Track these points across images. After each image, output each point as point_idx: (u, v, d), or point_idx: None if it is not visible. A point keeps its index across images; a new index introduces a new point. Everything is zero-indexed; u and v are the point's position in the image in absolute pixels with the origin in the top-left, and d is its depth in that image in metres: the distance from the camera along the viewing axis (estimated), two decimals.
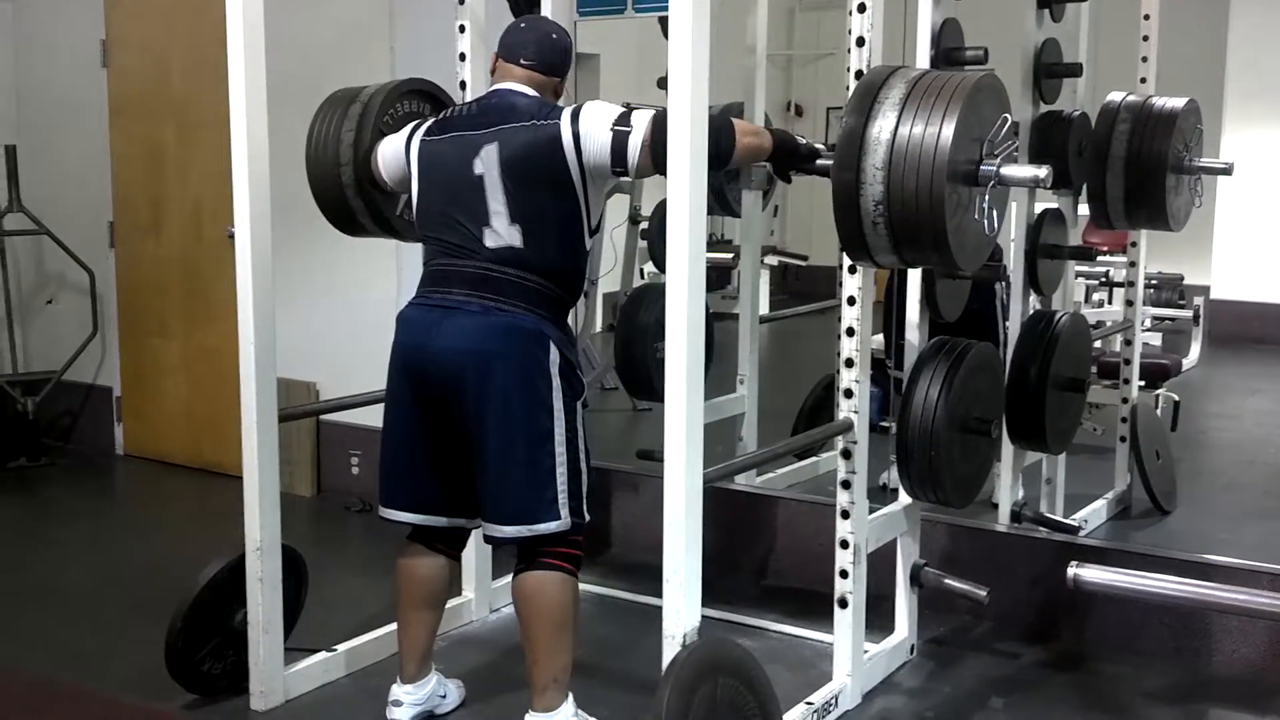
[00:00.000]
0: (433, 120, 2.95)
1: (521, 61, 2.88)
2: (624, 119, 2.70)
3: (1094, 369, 4.17)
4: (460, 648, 3.37)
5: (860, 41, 2.91)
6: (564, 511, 2.77)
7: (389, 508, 2.99)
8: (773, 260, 5.51)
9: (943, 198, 2.44)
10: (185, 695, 3.12)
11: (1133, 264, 4.35)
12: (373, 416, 4.61)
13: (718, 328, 4.08)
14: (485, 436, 2.76)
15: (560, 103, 2.91)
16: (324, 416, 4.90)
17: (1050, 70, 3.77)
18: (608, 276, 5.13)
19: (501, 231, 2.77)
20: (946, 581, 3.38)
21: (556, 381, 2.77)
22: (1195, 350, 6.40)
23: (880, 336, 3.69)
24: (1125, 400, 4.29)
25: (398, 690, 3.03)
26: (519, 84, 2.87)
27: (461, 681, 3.21)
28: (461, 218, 2.80)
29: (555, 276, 2.81)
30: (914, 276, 3.25)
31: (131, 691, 3.14)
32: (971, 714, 3.16)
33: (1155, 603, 3.29)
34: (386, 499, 2.99)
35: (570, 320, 2.99)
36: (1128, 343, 4.36)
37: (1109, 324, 4.77)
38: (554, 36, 2.93)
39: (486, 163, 2.77)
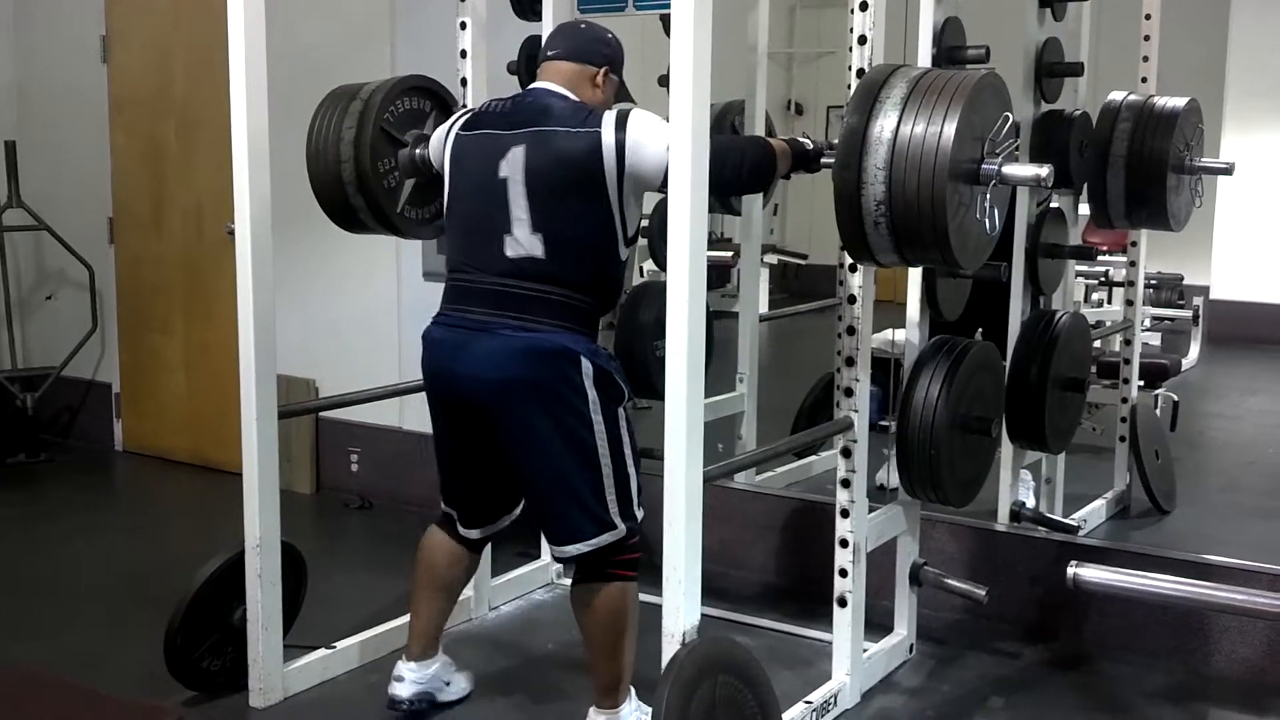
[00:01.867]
0: (470, 113, 2.90)
1: (549, 53, 2.85)
2: None
3: (1094, 369, 4.16)
4: (460, 644, 3.37)
5: (862, 40, 2.91)
6: (617, 520, 2.73)
7: (462, 526, 3.03)
8: (773, 259, 5.52)
9: (944, 197, 2.44)
10: (184, 692, 3.12)
11: (1133, 264, 4.35)
12: (373, 414, 4.66)
13: (717, 326, 4.07)
14: (527, 464, 2.76)
15: (604, 97, 2.84)
16: (323, 413, 4.89)
17: (1051, 69, 3.77)
18: None
19: (523, 240, 2.69)
20: (946, 581, 3.38)
21: (592, 394, 2.69)
22: (1195, 350, 6.41)
23: (883, 334, 3.68)
24: (1125, 400, 4.29)
25: (401, 667, 3.06)
26: (552, 83, 2.80)
27: (471, 674, 3.23)
28: (484, 222, 2.74)
29: (581, 288, 2.72)
30: (913, 279, 3.25)
31: (131, 688, 3.14)
32: (971, 713, 3.16)
33: (1154, 602, 3.29)
34: (460, 518, 3.03)
35: None
36: (1127, 342, 4.36)
37: (1109, 324, 4.77)
38: (583, 27, 2.90)
39: (512, 165, 2.70)
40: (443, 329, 2.81)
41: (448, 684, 3.13)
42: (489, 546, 3.54)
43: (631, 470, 2.77)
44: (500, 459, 2.83)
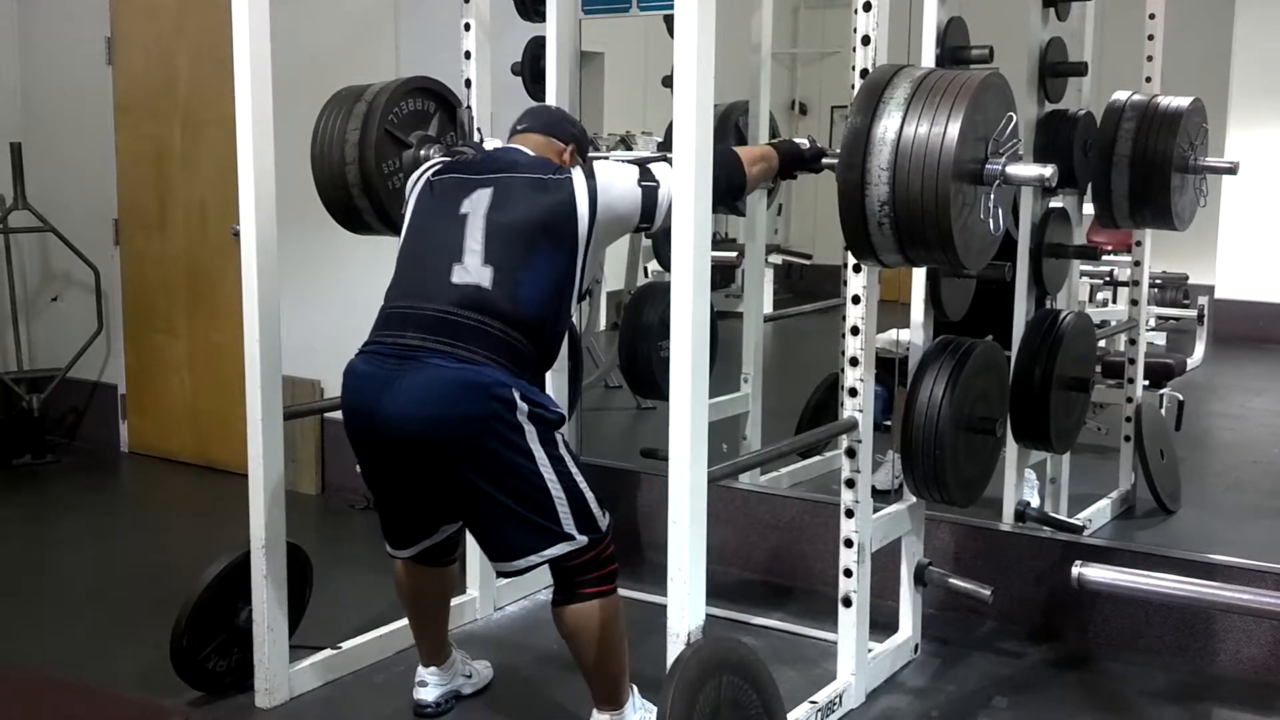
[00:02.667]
0: (441, 163, 2.87)
1: (519, 128, 2.91)
2: (647, 175, 2.68)
3: (1098, 368, 4.16)
4: (466, 645, 3.36)
5: (865, 40, 2.91)
6: (573, 532, 2.66)
7: (392, 548, 2.95)
8: (777, 259, 5.50)
9: (948, 197, 2.44)
10: (190, 692, 3.12)
11: (1137, 263, 4.34)
12: None
13: (722, 326, 4.08)
14: (469, 499, 2.66)
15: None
16: (329, 414, 4.89)
17: (1055, 69, 3.77)
18: (612, 275, 5.14)
19: (471, 269, 2.62)
20: (951, 581, 3.38)
21: (529, 427, 2.60)
22: (1200, 350, 6.39)
23: (887, 334, 3.68)
24: (1130, 400, 4.29)
25: (423, 672, 3.09)
26: (520, 145, 2.84)
27: (489, 662, 3.26)
28: (433, 254, 2.68)
29: (522, 328, 2.63)
30: (917, 279, 3.25)
31: (137, 688, 3.15)
32: (975, 713, 3.16)
33: (1159, 602, 3.29)
34: (388, 541, 2.95)
35: (574, 320, 2.96)
36: (1132, 342, 4.35)
37: (1113, 323, 4.76)
38: (553, 109, 3.04)
39: (475, 204, 2.68)
40: (367, 360, 2.67)
41: (469, 677, 3.17)
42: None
43: (583, 484, 2.68)
44: (430, 492, 2.74)
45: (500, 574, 2.89)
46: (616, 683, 2.79)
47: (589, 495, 2.69)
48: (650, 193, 2.67)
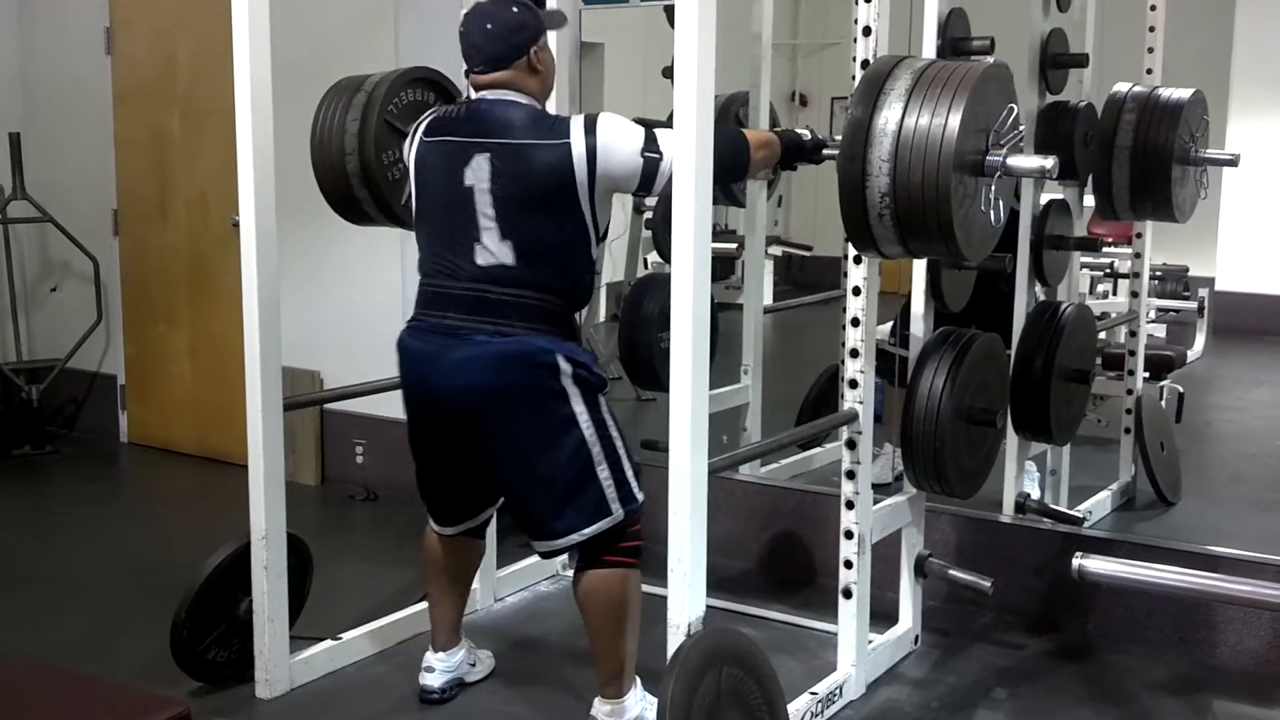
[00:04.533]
0: (431, 117, 2.83)
1: (476, 72, 2.77)
2: (652, 143, 2.63)
3: (1099, 360, 4.16)
4: (467, 636, 3.37)
5: (866, 31, 2.91)
6: (614, 505, 2.73)
7: (431, 520, 3.06)
8: (777, 250, 5.50)
9: (949, 188, 2.44)
10: (190, 683, 3.13)
11: (1138, 255, 4.33)
12: (377, 405, 4.65)
13: (722, 318, 4.07)
14: (513, 465, 2.75)
15: (545, 72, 2.80)
16: (328, 405, 4.89)
17: (1056, 60, 3.76)
18: (611, 267, 5.13)
19: (492, 248, 2.68)
20: (951, 572, 3.38)
21: (573, 390, 2.69)
22: (1200, 342, 6.38)
23: (887, 326, 3.68)
24: (1130, 392, 4.29)
25: (430, 657, 3.10)
26: (499, 91, 2.74)
27: (491, 652, 3.27)
28: (453, 231, 2.73)
29: (554, 291, 2.71)
30: (917, 271, 3.24)
31: (136, 679, 3.14)
32: (975, 704, 3.16)
33: (1159, 594, 3.29)
34: (429, 511, 3.05)
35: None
36: (1132, 334, 4.35)
37: (1114, 315, 4.76)
38: (489, 27, 2.73)
39: (477, 174, 2.68)
40: (416, 337, 2.80)
41: (473, 665, 3.19)
42: (494, 536, 3.56)
43: (623, 452, 2.75)
44: (478, 465, 2.82)
45: (542, 554, 2.92)
46: (623, 666, 2.80)
47: (628, 466, 2.76)
48: (651, 164, 2.62)
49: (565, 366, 2.68)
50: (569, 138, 2.63)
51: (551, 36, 2.91)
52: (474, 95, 2.80)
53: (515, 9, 2.75)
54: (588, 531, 2.72)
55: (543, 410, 2.68)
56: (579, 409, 2.69)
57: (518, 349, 2.67)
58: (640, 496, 2.78)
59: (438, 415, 2.80)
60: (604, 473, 2.72)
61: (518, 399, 2.68)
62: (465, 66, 2.81)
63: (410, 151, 2.84)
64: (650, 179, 2.64)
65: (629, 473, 2.76)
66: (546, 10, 2.85)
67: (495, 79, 2.75)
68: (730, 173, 2.81)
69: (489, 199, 2.67)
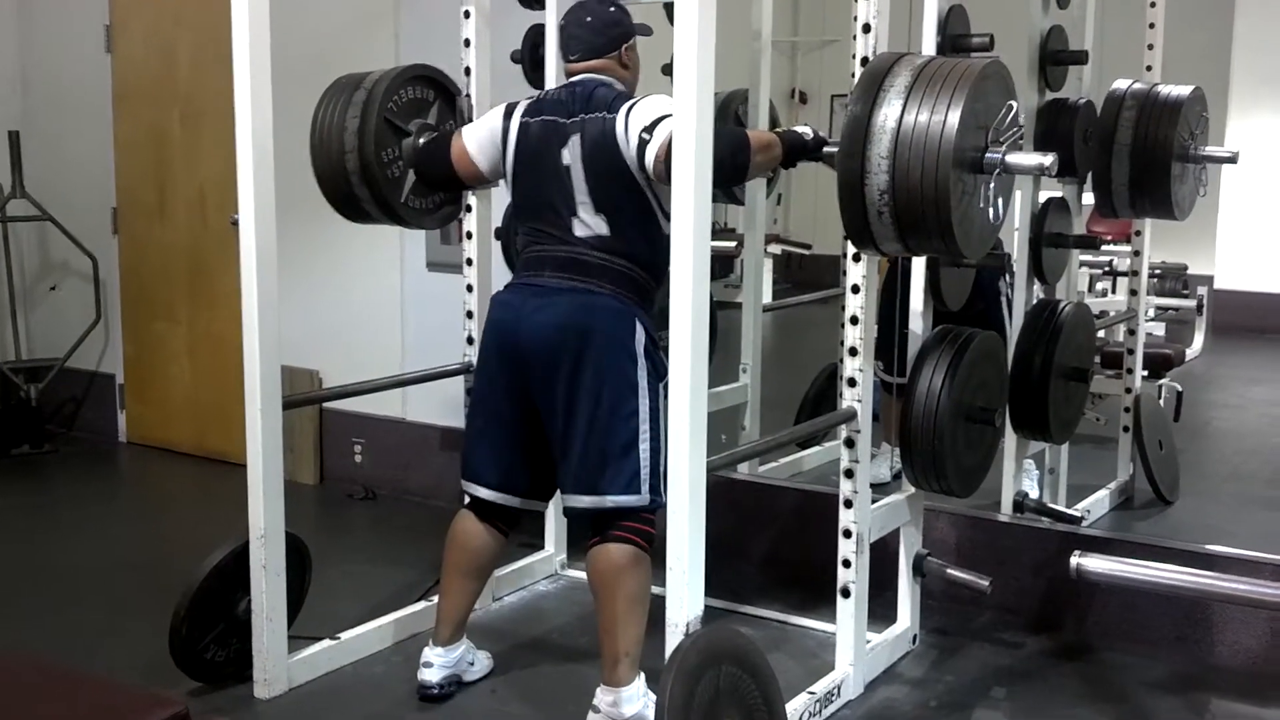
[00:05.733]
0: (527, 102, 3.01)
1: (572, 60, 2.99)
2: (651, 127, 2.75)
3: (1097, 359, 4.16)
4: (466, 635, 3.37)
5: (866, 28, 2.90)
6: (644, 488, 2.83)
7: (472, 482, 3.08)
8: (776, 249, 5.49)
9: (948, 186, 2.43)
10: (189, 682, 3.12)
11: (1137, 253, 4.33)
12: (376, 404, 4.66)
13: (721, 316, 4.07)
14: (573, 408, 2.85)
15: (634, 66, 3.02)
16: (327, 404, 4.89)
17: (1056, 57, 3.76)
18: None
19: (589, 221, 2.87)
20: (949, 571, 3.38)
21: (642, 360, 2.84)
22: (1199, 340, 6.38)
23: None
24: (1128, 390, 4.29)
25: (429, 653, 3.11)
26: (593, 75, 2.95)
27: (489, 653, 3.27)
28: (556, 204, 2.90)
29: (641, 263, 2.89)
30: (917, 266, 3.24)
31: (135, 678, 3.14)
32: (973, 704, 3.16)
33: (1158, 593, 3.28)
34: (470, 473, 3.09)
35: None
36: (1131, 332, 4.35)
37: (1113, 313, 4.76)
38: (588, 20, 2.98)
39: (574, 153, 2.86)
40: (510, 291, 2.99)
41: (472, 664, 3.19)
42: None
43: (663, 447, 2.81)
44: (544, 412, 2.92)
45: (569, 510, 2.96)
46: (629, 651, 2.81)
47: (662, 461, 2.80)
48: (642, 144, 2.77)
49: (641, 335, 2.86)
50: (616, 114, 2.83)
51: (640, 42, 3.08)
52: (571, 80, 2.98)
53: (612, 8, 3.01)
54: (620, 500, 2.83)
55: (614, 358, 2.83)
56: (642, 383, 2.84)
57: (603, 303, 2.85)
58: (664, 498, 2.75)
59: (518, 351, 2.91)
60: (644, 453, 2.83)
61: (595, 340, 2.82)
62: (562, 55, 3.05)
63: (509, 133, 2.98)
64: (640, 158, 2.77)
65: (661, 469, 2.80)
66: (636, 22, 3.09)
67: (590, 66, 2.97)
68: (731, 173, 2.84)
69: (583, 175, 2.86)
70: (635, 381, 2.83)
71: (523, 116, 2.98)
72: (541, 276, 2.91)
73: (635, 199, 2.86)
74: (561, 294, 2.87)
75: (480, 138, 3.07)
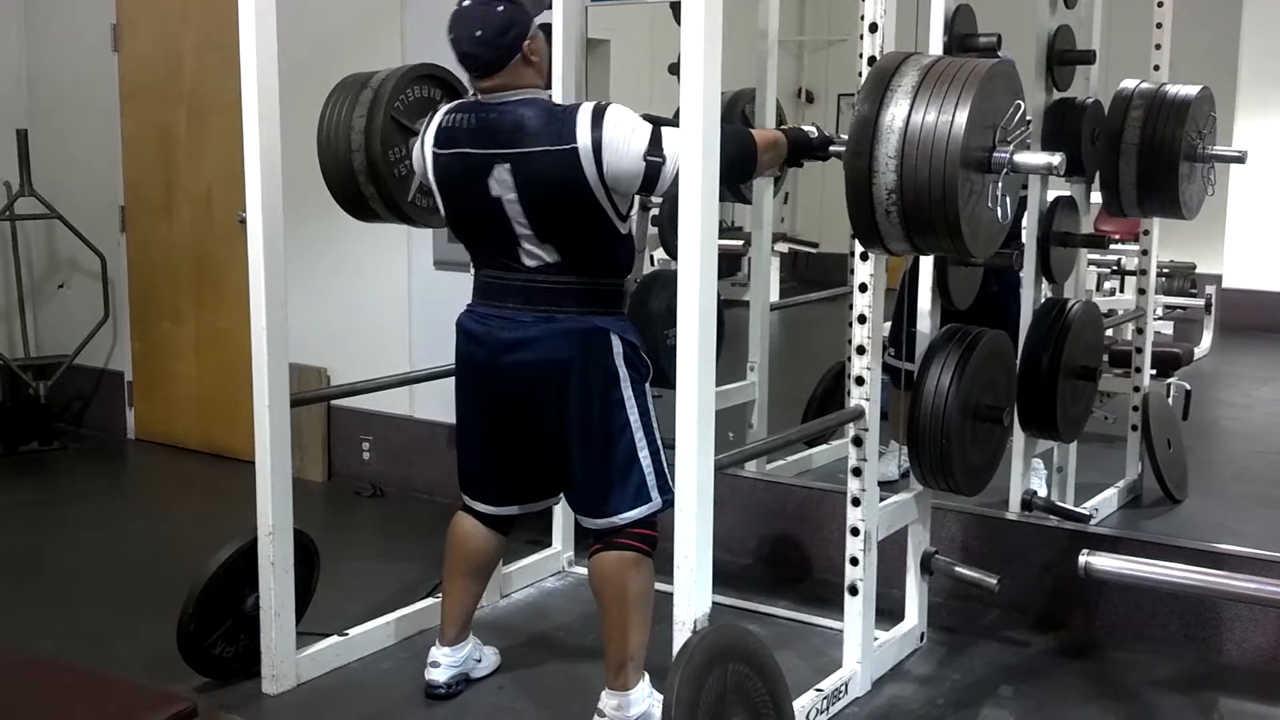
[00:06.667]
0: (435, 125, 2.83)
1: (475, 77, 2.77)
2: (656, 146, 2.64)
3: (1106, 357, 4.15)
4: (473, 632, 3.37)
5: (873, 27, 2.90)
6: (654, 493, 2.83)
7: (469, 497, 3.08)
8: (783, 247, 5.48)
9: (956, 185, 2.43)
10: (197, 678, 3.13)
11: (1145, 252, 4.32)
12: (384, 402, 4.67)
13: (728, 315, 4.07)
14: (565, 439, 2.83)
15: (541, 59, 2.79)
16: (335, 402, 4.90)
17: (1063, 57, 3.76)
18: None
19: (536, 251, 2.79)
20: (957, 569, 3.38)
21: (624, 372, 2.80)
22: (1207, 339, 6.36)
23: (885, 325, 3.67)
24: (1137, 389, 4.28)
25: (436, 652, 3.11)
26: (503, 94, 2.75)
27: (497, 649, 3.28)
28: (494, 238, 2.81)
29: (600, 273, 2.83)
30: (926, 264, 3.24)
31: (143, 674, 3.15)
32: (981, 702, 3.16)
33: (1166, 591, 3.29)
34: (467, 489, 3.09)
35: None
36: (1139, 331, 4.34)
37: (1121, 312, 4.75)
38: (478, 34, 2.70)
39: (502, 185, 2.72)
40: (478, 321, 2.89)
41: (479, 660, 3.20)
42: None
43: (660, 443, 2.83)
44: (535, 441, 2.90)
45: (589, 529, 2.94)
46: (631, 657, 2.81)
47: (664, 458, 2.82)
48: (654, 168, 2.65)
49: (618, 345, 2.81)
50: (575, 140, 2.65)
51: (543, 16, 2.84)
52: (479, 98, 2.80)
53: (500, 7, 2.71)
54: (632, 515, 2.81)
55: (596, 388, 2.79)
56: (628, 395, 2.80)
57: (575, 326, 2.79)
58: (672, 491, 2.74)
59: (494, 389, 2.89)
60: (646, 460, 2.82)
61: (574, 374, 2.78)
62: (469, 78, 2.82)
63: (425, 163, 2.85)
64: (653, 182, 2.68)
65: (665, 465, 2.82)
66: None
67: (496, 83, 2.76)
68: (738, 173, 2.84)
69: (519, 208, 2.74)
70: (621, 398, 2.80)
71: (434, 145, 2.81)
72: (505, 306, 2.84)
73: (589, 217, 2.73)
74: (532, 324, 2.80)
75: (415, 153, 2.93)
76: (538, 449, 2.93)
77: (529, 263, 2.80)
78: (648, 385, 2.86)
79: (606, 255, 2.82)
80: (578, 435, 2.81)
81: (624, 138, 2.65)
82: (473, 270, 2.95)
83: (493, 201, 2.74)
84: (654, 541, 2.85)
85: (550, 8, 3.00)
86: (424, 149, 2.85)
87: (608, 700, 2.83)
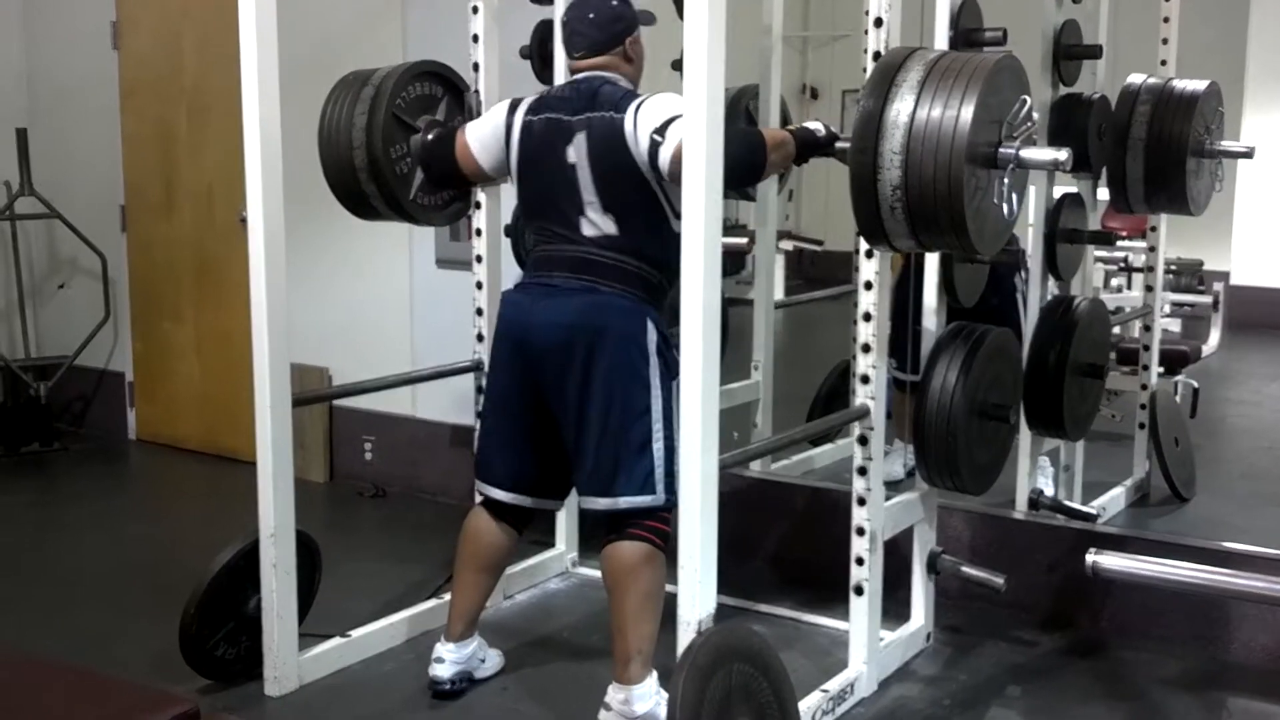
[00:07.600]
0: (531, 99, 3.00)
1: (576, 57, 2.97)
2: (663, 129, 2.74)
3: (1113, 355, 4.13)
4: (478, 633, 3.36)
5: (878, 22, 2.89)
6: (659, 488, 2.83)
7: (485, 483, 3.08)
8: (788, 245, 5.47)
9: (961, 181, 2.41)
10: (199, 680, 3.12)
11: (1152, 249, 4.31)
12: (385, 402, 4.65)
13: (732, 313, 4.04)
14: (586, 408, 2.84)
15: (639, 61, 3.00)
16: (337, 402, 4.89)
17: (1070, 52, 3.73)
18: None
19: (597, 220, 2.86)
20: (963, 569, 3.36)
21: (654, 358, 2.84)
22: (1214, 336, 6.35)
23: None
24: (1144, 387, 4.26)
25: (441, 648, 3.11)
26: (596, 72, 2.93)
27: (501, 652, 3.27)
28: (561, 203, 2.89)
29: (652, 262, 2.87)
30: (926, 265, 3.22)
31: (145, 676, 3.14)
32: (988, 702, 3.14)
33: (1173, 590, 3.26)
34: (484, 474, 3.09)
35: None
36: (1147, 328, 4.32)
37: (1128, 310, 4.73)
38: (591, 16, 2.94)
39: (578, 151, 2.85)
40: (521, 291, 2.99)
41: (483, 661, 3.20)
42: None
43: (675, 446, 2.81)
44: (557, 413, 2.91)
45: (589, 511, 2.96)
46: (641, 649, 2.81)
47: (674, 460, 2.80)
48: (654, 146, 2.75)
49: (653, 332, 2.85)
50: (625, 111, 2.81)
51: (644, 32, 3.04)
52: (577, 76, 2.97)
53: (615, 2, 2.97)
54: (635, 501, 2.83)
55: (626, 357, 2.82)
56: (654, 380, 2.83)
57: (613, 302, 2.84)
58: (678, 495, 2.77)
59: (530, 351, 2.91)
60: (658, 452, 2.83)
61: (606, 339, 2.81)
62: (566, 51, 3.04)
63: (513, 131, 2.97)
64: (653, 160, 2.76)
65: (675, 468, 2.78)
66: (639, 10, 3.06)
67: (594, 63, 2.94)
68: (748, 174, 2.89)
69: (589, 174, 2.85)
70: (647, 379, 2.83)
71: (526, 114, 2.96)
72: (552, 276, 2.90)
73: (644, 198, 2.84)
74: (572, 294, 2.86)
75: (483, 135, 3.07)
76: (558, 424, 2.93)
77: (588, 231, 2.86)
78: (675, 384, 2.81)
79: (659, 244, 2.86)
80: (599, 405, 2.82)
81: (649, 114, 2.78)
82: (528, 247, 3.05)
83: (569, 168, 2.86)
84: (667, 536, 2.84)
85: (654, 23, 3.12)
86: (513, 116, 2.97)
87: (614, 694, 2.83)
